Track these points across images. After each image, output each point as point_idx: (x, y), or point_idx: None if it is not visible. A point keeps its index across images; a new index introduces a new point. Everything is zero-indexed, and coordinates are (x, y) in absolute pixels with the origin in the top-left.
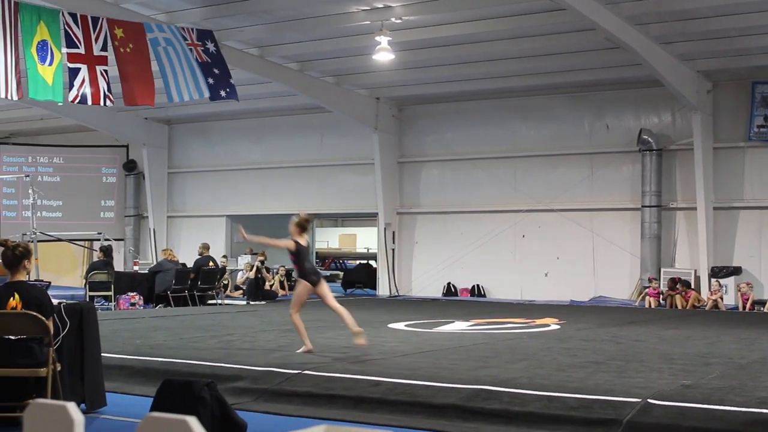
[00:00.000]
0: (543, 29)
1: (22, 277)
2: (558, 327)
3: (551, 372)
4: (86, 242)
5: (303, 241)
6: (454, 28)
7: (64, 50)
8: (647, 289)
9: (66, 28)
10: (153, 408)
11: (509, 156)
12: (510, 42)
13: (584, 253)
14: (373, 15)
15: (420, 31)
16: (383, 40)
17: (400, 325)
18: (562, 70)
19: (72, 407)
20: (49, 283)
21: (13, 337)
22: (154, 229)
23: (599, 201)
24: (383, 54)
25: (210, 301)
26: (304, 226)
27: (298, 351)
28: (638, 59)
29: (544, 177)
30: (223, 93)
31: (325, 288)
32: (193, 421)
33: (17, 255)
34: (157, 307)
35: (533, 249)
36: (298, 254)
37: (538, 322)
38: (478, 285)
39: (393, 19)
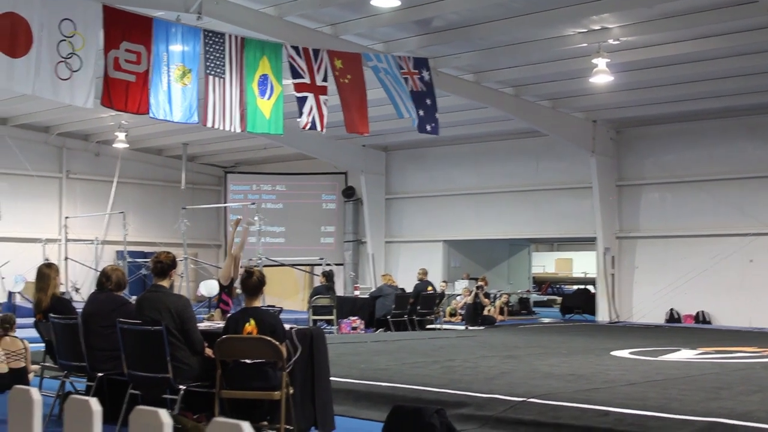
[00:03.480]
0: None
1: (258, 303)
2: None
3: None
4: (308, 267)
5: None
6: (674, 47)
7: (289, 81)
8: None
9: (290, 60)
10: None
11: (735, 177)
12: (735, 59)
13: None
14: (590, 37)
15: (639, 51)
16: (601, 62)
17: (623, 353)
18: None
19: None
20: (281, 309)
21: (249, 361)
22: (372, 255)
23: None
24: (601, 76)
25: (429, 326)
26: None
27: None
28: None
29: None
30: (428, 127)
31: None
32: None
33: (260, 282)
34: (377, 332)
35: (762, 274)
36: None
37: None
38: (702, 311)
39: (610, 41)
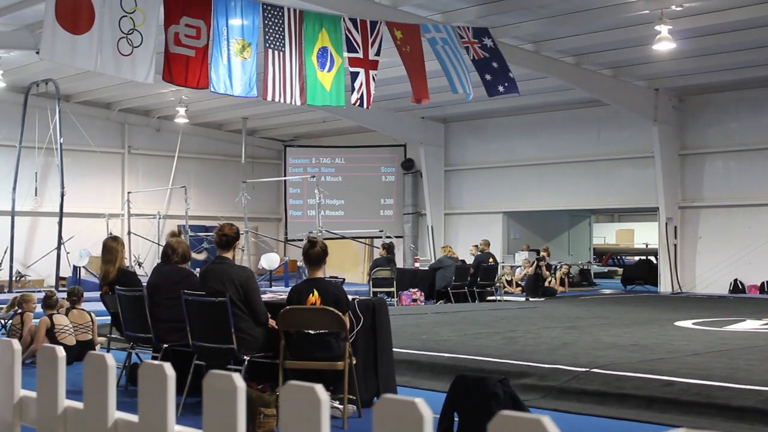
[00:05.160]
0: None
1: (320, 273)
2: None
3: None
4: (368, 239)
5: None
6: (739, 12)
7: (346, 54)
8: None
9: (347, 33)
10: (447, 403)
11: None
12: None
13: None
14: (652, 4)
15: (702, 17)
16: (663, 29)
17: (687, 323)
18: None
19: (421, 403)
20: (344, 279)
21: (312, 332)
22: (432, 227)
23: None
24: (663, 43)
25: (489, 298)
26: None
27: None
28: None
29: None
30: (501, 88)
31: None
32: (547, 421)
33: (323, 252)
34: (437, 303)
35: None
36: None
37: None
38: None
39: (673, 7)
